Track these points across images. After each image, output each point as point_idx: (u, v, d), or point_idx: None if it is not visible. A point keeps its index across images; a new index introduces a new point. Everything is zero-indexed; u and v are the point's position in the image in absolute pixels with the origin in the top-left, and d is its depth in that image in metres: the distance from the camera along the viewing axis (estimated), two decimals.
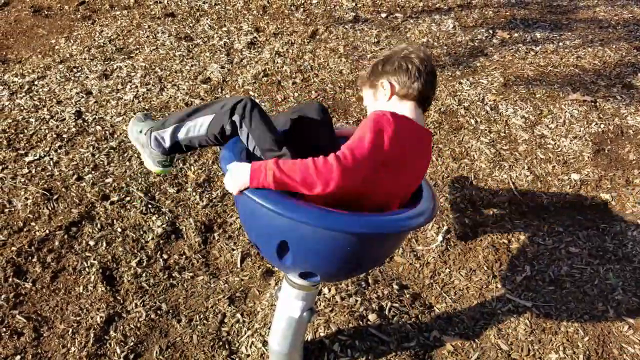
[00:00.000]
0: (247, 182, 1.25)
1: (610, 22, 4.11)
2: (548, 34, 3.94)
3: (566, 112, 3.06)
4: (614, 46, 3.74)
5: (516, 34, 3.93)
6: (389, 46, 1.42)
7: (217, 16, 4.15)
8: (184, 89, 3.21)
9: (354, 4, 4.35)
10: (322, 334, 1.85)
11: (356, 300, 1.96)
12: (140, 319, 1.91)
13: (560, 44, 3.80)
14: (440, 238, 2.26)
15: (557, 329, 1.90)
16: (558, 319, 1.94)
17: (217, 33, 3.89)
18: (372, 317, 1.91)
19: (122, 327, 1.88)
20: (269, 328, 1.80)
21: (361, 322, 1.89)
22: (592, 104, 3.12)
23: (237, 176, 1.28)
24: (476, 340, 1.87)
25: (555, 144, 2.83)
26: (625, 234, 2.29)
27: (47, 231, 2.21)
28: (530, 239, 2.28)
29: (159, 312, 1.95)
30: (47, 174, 2.51)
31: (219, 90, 3.22)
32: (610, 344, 1.85)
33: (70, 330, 1.86)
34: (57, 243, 2.16)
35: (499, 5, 4.37)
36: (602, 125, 2.95)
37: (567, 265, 2.15)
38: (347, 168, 1.20)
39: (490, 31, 3.96)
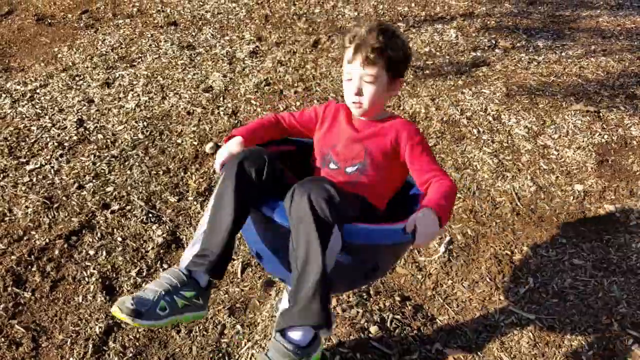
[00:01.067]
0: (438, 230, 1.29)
1: (613, 32, 4.11)
2: (551, 44, 3.94)
3: (569, 122, 3.04)
4: (617, 56, 3.74)
5: (519, 44, 3.93)
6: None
7: (220, 25, 4.16)
8: (185, 98, 3.21)
9: (356, 13, 4.36)
10: (322, 346, 1.82)
11: (357, 312, 1.94)
12: (140, 330, 1.89)
13: (563, 53, 3.80)
14: (442, 249, 2.24)
15: (561, 342, 1.88)
16: (562, 332, 1.91)
17: (219, 42, 3.90)
18: (373, 329, 1.89)
19: (121, 337, 1.86)
20: (269, 340, 1.78)
21: (362, 334, 1.87)
22: (596, 114, 3.11)
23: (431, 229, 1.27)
24: (479, 353, 1.85)
25: (558, 154, 2.82)
26: (629, 246, 2.27)
27: (47, 240, 2.19)
28: (534, 250, 2.26)
29: None
30: (48, 182, 2.51)
31: (221, 98, 3.22)
32: (615, 358, 1.82)
33: (69, 340, 1.84)
34: (57, 252, 2.15)
35: (502, 15, 4.37)
36: (606, 136, 2.93)
37: (570, 278, 2.13)
38: None
39: (493, 41, 3.96)
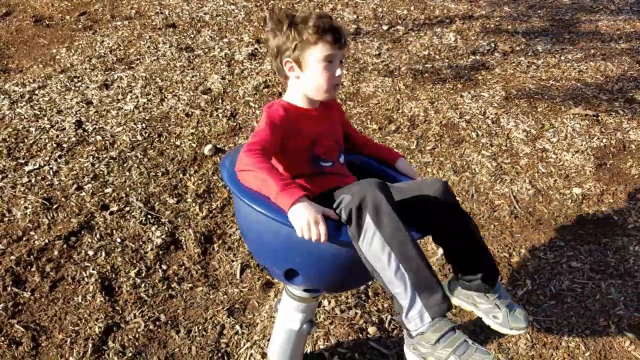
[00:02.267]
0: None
1: (612, 36, 4.13)
2: (550, 48, 3.95)
3: (568, 126, 3.06)
4: (616, 60, 3.75)
5: (518, 48, 3.95)
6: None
7: (218, 27, 4.17)
8: (184, 100, 3.21)
9: (355, 16, 4.38)
10: (321, 347, 1.83)
11: (356, 313, 1.95)
12: (139, 330, 1.89)
13: (562, 57, 3.81)
14: (440, 251, 2.25)
15: (559, 344, 1.88)
16: (559, 333, 1.92)
17: (218, 44, 3.91)
18: (371, 330, 1.89)
19: (120, 337, 1.86)
20: (268, 340, 1.78)
21: (361, 335, 1.87)
22: (594, 118, 3.12)
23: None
24: None
25: (557, 157, 2.83)
26: (627, 249, 2.28)
27: (47, 240, 2.20)
28: (532, 253, 2.27)
29: (157, 322, 1.93)
30: (47, 183, 2.51)
31: (220, 101, 3.23)
32: None
33: (69, 340, 1.84)
34: (56, 253, 2.15)
35: (501, 19, 4.39)
36: (604, 140, 2.95)
37: (568, 280, 2.14)
38: None
39: (492, 44, 3.98)
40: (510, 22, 4.35)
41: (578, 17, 4.50)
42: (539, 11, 4.58)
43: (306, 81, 1.48)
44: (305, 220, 1.15)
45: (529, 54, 3.87)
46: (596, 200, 2.55)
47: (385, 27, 4.22)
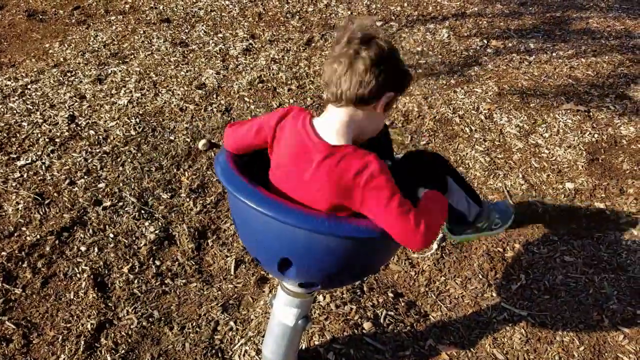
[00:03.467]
0: None
1: (602, 33, 4.15)
2: (542, 44, 3.97)
3: (560, 121, 3.07)
4: (606, 57, 3.77)
5: (510, 44, 3.96)
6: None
7: (213, 22, 4.15)
8: (178, 94, 3.19)
9: (349, 12, 4.37)
10: (316, 343, 1.83)
11: (351, 309, 1.95)
12: (132, 326, 1.88)
13: (554, 54, 3.83)
14: (435, 246, 2.25)
15: (553, 338, 1.89)
16: (553, 328, 1.93)
17: (212, 39, 3.88)
18: (367, 325, 1.89)
19: (113, 334, 1.85)
20: (263, 336, 1.78)
21: (356, 331, 1.87)
22: (586, 113, 3.14)
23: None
24: (471, 349, 1.86)
25: (549, 153, 2.84)
26: (619, 243, 2.29)
27: (38, 236, 2.18)
28: (525, 247, 2.28)
29: (150, 319, 1.92)
30: (39, 178, 2.48)
31: (214, 95, 3.21)
32: (606, 354, 1.84)
33: (60, 337, 1.82)
34: (48, 248, 2.13)
35: (493, 16, 4.40)
36: (596, 135, 2.96)
37: (562, 274, 2.15)
38: None
39: (485, 41, 3.98)
40: (502, 19, 4.36)
41: (569, 14, 4.52)
42: (531, 8, 4.59)
43: (372, 120, 1.30)
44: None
45: (521, 50, 3.88)
46: (588, 195, 2.56)
47: (379, 24, 4.21)
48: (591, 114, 3.14)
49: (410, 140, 2.91)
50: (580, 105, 3.20)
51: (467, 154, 2.82)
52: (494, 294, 2.07)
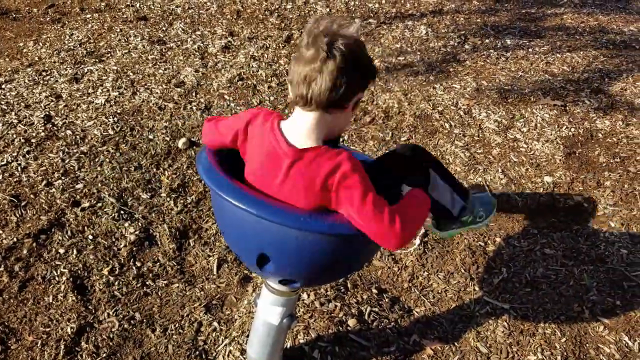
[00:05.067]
0: None
1: (577, 29, 4.22)
2: (518, 41, 4.02)
3: (537, 116, 3.12)
4: (581, 52, 3.84)
5: (487, 40, 4.00)
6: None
7: (191, 20, 4.10)
8: (157, 93, 3.15)
9: (328, 10, 4.36)
10: (301, 341, 1.82)
11: (335, 306, 1.94)
12: (113, 329, 1.85)
13: (530, 50, 3.88)
14: (417, 241, 2.27)
15: (535, 331, 1.92)
16: (535, 320, 1.96)
17: (190, 37, 3.84)
18: (351, 322, 1.89)
19: (93, 337, 1.82)
20: (247, 336, 1.76)
21: (341, 328, 1.87)
22: (562, 108, 3.19)
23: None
24: (455, 343, 1.88)
25: (527, 147, 2.88)
26: (597, 236, 2.34)
27: (15, 239, 2.12)
28: (506, 241, 2.31)
29: (132, 321, 1.89)
30: (15, 179, 2.42)
31: (194, 94, 3.17)
32: (587, 345, 1.88)
33: (40, 342, 1.78)
34: (25, 251, 2.08)
35: (470, 12, 4.44)
36: (573, 129, 3.02)
37: (542, 267, 2.18)
38: None
39: (462, 37, 4.02)
40: (479, 15, 4.40)
41: (544, 11, 4.58)
42: (506, 5, 4.65)
43: (341, 120, 1.29)
44: None
45: (498, 46, 3.92)
46: (567, 188, 2.61)
47: (357, 21, 4.21)
48: (567, 108, 3.19)
49: (391, 136, 2.92)
50: (557, 100, 3.25)
51: (447, 149, 2.84)
52: (477, 288, 2.09)
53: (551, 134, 2.97)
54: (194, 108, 3.04)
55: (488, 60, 3.71)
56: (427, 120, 3.07)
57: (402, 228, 1.18)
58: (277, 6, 4.37)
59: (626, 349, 1.86)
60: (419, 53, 3.78)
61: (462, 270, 2.15)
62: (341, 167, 1.18)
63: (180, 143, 2.72)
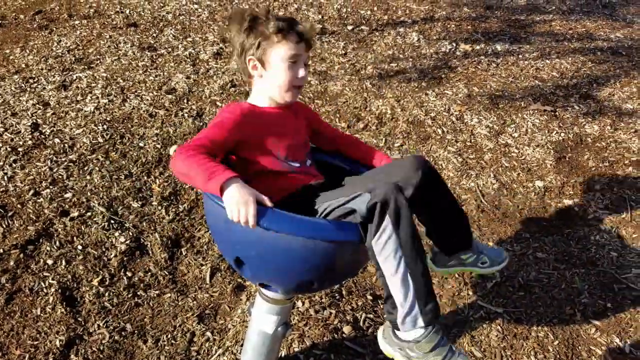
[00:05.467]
0: None
1: (565, 36, 4.27)
2: (508, 47, 4.05)
3: (528, 121, 3.14)
4: (570, 58, 3.88)
5: (478, 47, 4.03)
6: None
7: (182, 26, 4.08)
8: (147, 100, 3.12)
9: (320, 16, 4.37)
10: (296, 349, 1.80)
11: (330, 313, 1.93)
12: (104, 341, 1.82)
13: (520, 56, 3.92)
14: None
15: (528, 334, 1.92)
16: (528, 324, 1.96)
17: (181, 43, 3.82)
18: (347, 329, 1.88)
19: (83, 350, 1.78)
20: (241, 346, 1.74)
21: (336, 335, 1.85)
22: (552, 113, 3.22)
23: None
24: None
25: (519, 152, 2.90)
26: (588, 239, 2.35)
27: (1, 250, 2.08)
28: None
29: (123, 333, 1.86)
30: (1, 189, 2.38)
31: (185, 100, 3.15)
32: (579, 347, 1.88)
33: (27, 355, 1.75)
34: (12, 263, 2.05)
35: (461, 19, 4.47)
36: (562, 134, 3.04)
37: (535, 271, 2.19)
38: None
39: (454, 44, 4.04)
40: (469, 22, 4.44)
41: (533, 18, 4.63)
42: (496, 12, 4.69)
43: (269, 80, 1.44)
44: (234, 201, 1.13)
45: (489, 52, 3.95)
46: (557, 193, 2.62)
47: (350, 27, 4.22)
48: (557, 113, 3.22)
49: (385, 142, 2.92)
50: (547, 106, 3.28)
51: (440, 155, 2.85)
52: (470, 293, 2.08)
53: (542, 139, 2.99)
54: (186, 115, 3.02)
55: (479, 67, 3.74)
56: (420, 126, 3.07)
57: (173, 161, 1.23)
58: None
59: (617, 351, 1.86)
60: (411, 60, 3.79)
61: (456, 275, 2.15)
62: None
63: (172, 150, 2.70)
